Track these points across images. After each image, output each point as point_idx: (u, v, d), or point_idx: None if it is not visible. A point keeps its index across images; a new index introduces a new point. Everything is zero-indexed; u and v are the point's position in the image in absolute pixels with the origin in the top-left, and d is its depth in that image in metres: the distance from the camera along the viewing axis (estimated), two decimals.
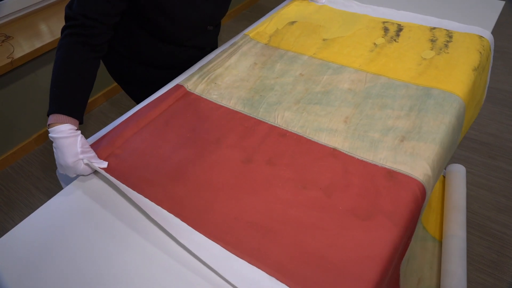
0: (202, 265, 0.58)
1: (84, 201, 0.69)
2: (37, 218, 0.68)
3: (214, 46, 1.13)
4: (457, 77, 0.88)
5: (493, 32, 1.03)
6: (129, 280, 0.57)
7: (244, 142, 0.78)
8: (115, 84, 2.14)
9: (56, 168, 0.74)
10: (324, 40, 1.06)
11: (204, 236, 0.62)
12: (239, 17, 2.84)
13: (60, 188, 0.72)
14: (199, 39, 1.02)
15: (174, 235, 0.62)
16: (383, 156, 0.72)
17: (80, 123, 0.76)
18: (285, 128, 0.80)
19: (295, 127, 0.80)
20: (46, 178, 1.78)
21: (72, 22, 0.75)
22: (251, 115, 0.84)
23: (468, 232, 1.33)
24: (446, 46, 0.98)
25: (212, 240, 0.61)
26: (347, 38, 1.06)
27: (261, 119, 0.83)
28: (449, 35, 1.02)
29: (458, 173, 1.33)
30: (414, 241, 0.91)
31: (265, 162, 0.73)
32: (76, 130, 0.73)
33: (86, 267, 0.59)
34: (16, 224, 0.65)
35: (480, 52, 0.95)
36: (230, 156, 0.75)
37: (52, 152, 0.80)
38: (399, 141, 0.74)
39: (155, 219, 0.64)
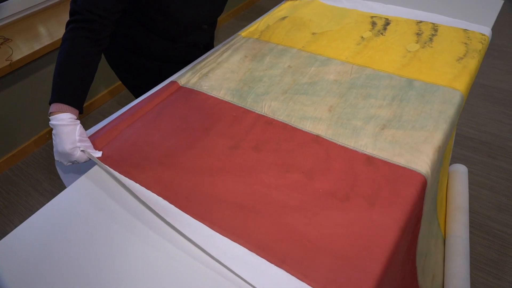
0: (211, 275, 0.58)
1: (84, 203, 0.70)
2: (38, 219, 0.68)
3: (208, 43, 1.16)
4: (439, 69, 0.91)
5: (492, 31, 1.04)
6: (130, 281, 0.58)
7: (232, 130, 0.81)
8: (120, 82, 2.18)
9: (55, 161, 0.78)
10: (313, 34, 1.09)
11: (190, 217, 0.65)
12: (239, 17, 2.86)
13: (60, 190, 0.74)
14: (194, 36, 1.06)
15: (162, 215, 0.65)
16: (364, 143, 0.75)
17: (80, 112, 0.80)
18: (271, 117, 0.83)
19: (281, 116, 0.83)
20: (45, 181, 1.79)
21: (77, 16, 0.78)
22: (239, 105, 0.87)
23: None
24: (431, 39, 1.01)
25: (198, 220, 0.65)
26: (335, 32, 1.09)
27: (249, 109, 0.86)
28: (435, 28, 1.05)
29: (460, 173, 1.33)
30: (430, 237, 0.93)
31: (251, 148, 0.76)
32: (76, 119, 0.77)
33: (87, 268, 0.60)
34: (16, 227, 0.67)
35: (466, 44, 0.98)
36: (218, 142, 0.78)
37: (52, 155, 0.84)
38: (380, 129, 0.77)
39: (146, 201, 0.67)
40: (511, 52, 2.10)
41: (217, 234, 0.62)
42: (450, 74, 0.89)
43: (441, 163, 0.86)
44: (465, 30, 1.03)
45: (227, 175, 0.71)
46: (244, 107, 0.87)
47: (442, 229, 1.13)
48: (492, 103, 1.86)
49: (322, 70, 0.95)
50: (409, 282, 0.76)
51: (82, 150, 0.75)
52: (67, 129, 0.74)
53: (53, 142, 0.76)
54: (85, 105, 2.09)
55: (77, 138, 0.74)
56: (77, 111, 0.78)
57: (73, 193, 0.73)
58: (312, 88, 0.90)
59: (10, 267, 0.61)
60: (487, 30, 1.02)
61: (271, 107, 0.85)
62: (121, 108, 0.90)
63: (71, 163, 0.77)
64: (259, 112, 0.85)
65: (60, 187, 0.85)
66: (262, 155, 0.75)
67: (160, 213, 0.65)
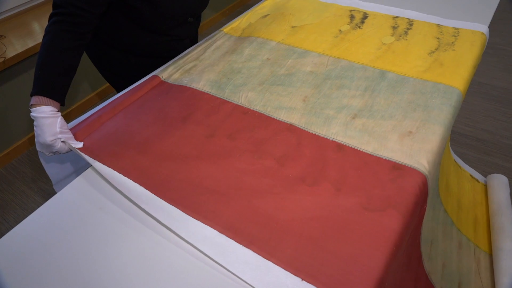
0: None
1: (81, 203, 0.71)
2: (36, 218, 0.69)
3: (193, 38, 1.17)
4: (411, 61, 0.94)
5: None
6: (127, 280, 0.59)
7: (209, 119, 0.84)
8: (108, 84, 2.17)
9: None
10: (292, 27, 1.12)
11: (164, 201, 0.68)
12: (230, 17, 2.87)
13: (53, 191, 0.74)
14: (179, 30, 1.07)
15: (137, 202, 0.67)
16: (335, 131, 0.77)
17: (62, 105, 0.81)
18: (247, 107, 0.85)
19: (257, 106, 0.85)
20: (40, 179, 1.78)
21: (60, 9, 0.78)
22: (217, 96, 0.89)
23: None
24: (405, 33, 1.04)
25: (171, 204, 0.67)
26: (314, 26, 1.11)
27: (226, 99, 0.88)
28: (410, 23, 1.08)
29: (501, 183, 1.32)
30: (436, 223, 0.95)
31: (226, 136, 0.79)
32: (57, 111, 0.78)
33: (85, 267, 0.61)
34: (11, 226, 0.66)
35: (438, 38, 1.01)
36: (194, 131, 0.81)
37: None
38: (351, 118, 0.80)
39: (121, 189, 0.69)
40: (506, 50, 2.13)
41: (189, 217, 0.65)
42: (421, 67, 0.92)
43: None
44: (438, 25, 1.06)
45: (202, 162, 0.74)
46: (221, 97, 0.89)
47: (450, 215, 1.13)
48: (488, 101, 1.87)
49: (299, 62, 0.97)
50: (415, 266, 0.77)
51: (63, 141, 0.77)
52: (48, 121, 0.75)
53: (35, 133, 0.77)
54: (72, 107, 2.08)
55: (58, 130, 0.76)
56: (58, 104, 0.79)
57: (70, 193, 0.73)
58: (288, 79, 0.92)
59: (9, 266, 0.61)
60: (484, 28, 1.04)
61: (247, 97, 0.88)
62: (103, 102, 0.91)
63: (52, 154, 0.79)
64: (236, 102, 0.87)
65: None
66: (236, 143, 0.77)
67: (134, 199, 0.68)
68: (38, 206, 0.70)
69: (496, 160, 1.54)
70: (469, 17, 1.08)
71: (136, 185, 0.71)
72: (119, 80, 1.13)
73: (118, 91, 1.10)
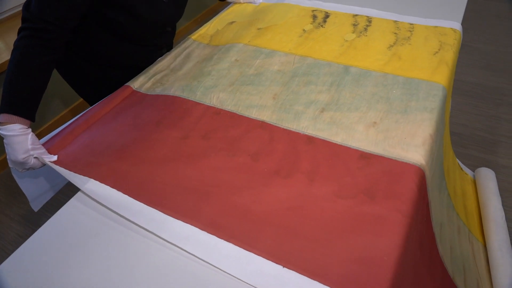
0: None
1: (77, 226, 0.69)
2: (35, 241, 0.67)
3: (170, 47, 1.16)
4: (372, 56, 0.99)
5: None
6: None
7: (182, 122, 0.85)
8: (82, 100, 2.07)
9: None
10: (258, 29, 1.15)
11: (143, 204, 0.68)
12: (204, 23, 2.85)
13: (33, 213, 0.69)
14: (158, 39, 1.05)
15: (115, 210, 0.68)
16: (305, 125, 0.81)
17: (32, 121, 0.78)
18: (219, 107, 0.88)
19: (229, 106, 0.88)
20: (15, 204, 1.64)
21: (29, 24, 0.75)
22: (189, 98, 0.91)
23: None
24: (365, 29, 1.10)
25: (151, 206, 0.68)
26: (279, 26, 1.15)
27: (198, 101, 0.90)
28: (369, 20, 1.14)
29: (489, 178, 1.37)
30: (442, 206, 0.96)
31: (201, 137, 0.81)
32: (27, 128, 0.75)
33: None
34: None
35: (395, 33, 1.07)
36: (168, 134, 0.82)
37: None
38: (319, 112, 0.84)
39: (98, 199, 0.69)
40: (472, 47, 2.25)
41: (170, 217, 0.66)
42: (381, 60, 0.97)
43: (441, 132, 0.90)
44: (395, 21, 1.13)
45: (178, 163, 0.75)
46: (193, 100, 0.90)
47: (452, 199, 1.16)
48: (459, 96, 1.94)
49: (267, 62, 1.00)
50: (429, 248, 0.79)
51: (35, 157, 0.76)
52: (18, 139, 0.73)
53: (6, 150, 0.75)
54: (44, 126, 1.99)
55: (30, 146, 0.74)
56: (28, 121, 0.76)
57: (64, 217, 0.70)
58: (257, 78, 0.95)
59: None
60: (457, 25, 1.10)
61: (219, 98, 0.90)
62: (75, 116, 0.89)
63: (26, 170, 0.77)
64: (208, 104, 0.89)
65: (32, 208, 0.79)
66: (211, 143, 0.79)
67: (113, 208, 0.68)
68: (17, 234, 0.67)
69: (472, 152, 1.62)
70: (441, 15, 1.15)
71: (114, 190, 0.72)
72: (95, 95, 1.07)
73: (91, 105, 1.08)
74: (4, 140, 0.74)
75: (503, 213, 1.27)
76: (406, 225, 0.61)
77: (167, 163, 0.76)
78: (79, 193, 0.73)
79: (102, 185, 0.73)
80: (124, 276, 0.60)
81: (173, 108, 0.89)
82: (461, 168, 1.43)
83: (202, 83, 0.95)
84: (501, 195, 1.34)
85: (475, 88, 1.95)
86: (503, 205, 1.31)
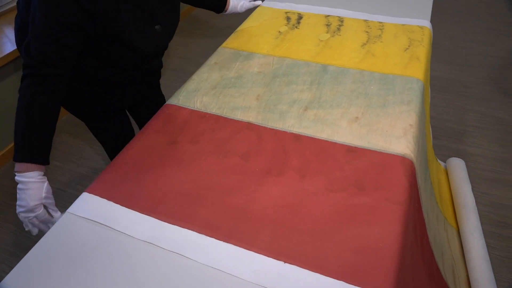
0: None
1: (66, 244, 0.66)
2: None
3: (160, 67, 1.08)
4: (347, 54, 1.02)
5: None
6: None
7: (167, 127, 0.84)
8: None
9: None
10: (234, 32, 1.16)
11: (137, 212, 0.67)
12: (180, 27, 2.79)
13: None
14: (149, 64, 0.99)
15: (108, 225, 0.66)
16: (291, 123, 0.83)
17: (46, 164, 0.76)
18: (204, 111, 0.88)
19: (213, 109, 0.88)
20: (8, 208, 1.54)
21: (32, 70, 0.73)
22: (171, 103, 0.91)
23: None
24: (338, 29, 1.14)
25: (144, 214, 0.67)
26: (255, 28, 1.16)
27: (181, 105, 0.90)
28: (341, 20, 1.18)
29: (459, 167, 1.43)
30: (426, 194, 0.99)
31: (188, 141, 0.80)
32: (43, 176, 0.74)
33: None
34: None
35: (367, 32, 1.11)
36: (155, 140, 0.81)
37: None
38: (303, 110, 0.86)
39: (87, 215, 0.68)
40: (438, 43, 2.35)
41: (165, 223, 0.66)
42: (357, 58, 1.01)
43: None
44: (365, 20, 1.17)
45: (168, 169, 0.75)
46: (176, 104, 0.90)
47: (435, 189, 1.20)
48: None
49: (247, 64, 1.02)
50: (420, 235, 0.81)
51: (44, 206, 0.73)
52: (35, 185, 0.72)
53: (18, 195, 0.72)
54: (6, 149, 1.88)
55: (44, 195, 0.72)
56: (44, 167, 0.75)
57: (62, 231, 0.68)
58: (239, 81, 0.96)
59: None
60: (426, 23, 1.15)
61: (202, 102, 0.90)
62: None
63: (29, 219, 0.72)
64: (191, 108, 0.89)
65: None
66: (199, 146, 0.79)
67: (105, 223, 0.66)
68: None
69: (443, 143, 1.69)
70: (409, 13, 1.20)
71: (103, 200, 0.70)
72: (88, 111, 1.02)
73: (87, 121, 1.04)
74: (19, 186, 0.72)
75: (474, 199, 1.35)
76: (398, 213, 0.64)
77: (156, 169, 0.75)
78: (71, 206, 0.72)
79: (91, 196, 0.71)
80: (128, 285, 0.58)
81: (157, 114, 0.88)
82: (436, 159, 1.50)
83: (183, 87, 0.95)
84: (471, 181, 1.42)
85: (441, 82, 2.06)
86: (473, 191, 1.38)
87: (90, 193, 0.71)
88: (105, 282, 0.59)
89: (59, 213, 0.75)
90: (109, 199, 0.70)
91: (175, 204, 0.68)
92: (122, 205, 0.69)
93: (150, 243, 0.63)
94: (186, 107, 0.89)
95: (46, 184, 0.74)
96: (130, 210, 0.68)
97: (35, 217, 0.72)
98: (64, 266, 0.61)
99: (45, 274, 0.61)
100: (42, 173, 0.74)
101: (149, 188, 0.71)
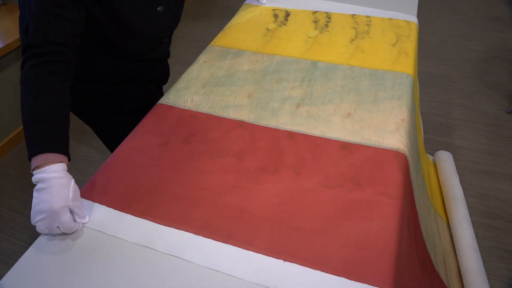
0: None
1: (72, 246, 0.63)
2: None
3: (167, 57, 1.06)
4: (336, 50, 1.02)
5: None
6: None
7: (159, 127, 0.83)
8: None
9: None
10: (223, 30, 1.15)
11: (131, 216, 0.66)
12: None
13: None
14: (155, 51, 0.96)
15: (102, 230, 0.64)
16: (283, 121, 0.82)
17: (69, 159, 0.65)
18: (195, 110, 0.86)
19: (205, 108, 0.87)
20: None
21: (35, 50, 0.66)
22: (162, 102, 0.89)
23: None
24: (326, 25, 1.14)
25: (139, 217, 0.66)
26: (242, 25, 1.15)
27: (171, 105, 0.88)
28: (328, 16, 1.18)
29: (447, 160, 1.45)
30: (418, 188, 1.00)
31: (181, 141, 0.79)
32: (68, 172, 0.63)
33: None
34: None
35: (355, 28, 1.12)
36: (147, 141, 0.79)
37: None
38: (295, 107, 0.86)
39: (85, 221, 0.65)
40: (421, 38, 2.38)
41: (161, 226, 0.64)
42: (346, 54, 1.01)
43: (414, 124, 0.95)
44: (352, 15, 1.17)
45: (161, 170, 0.73)
46: (166, 103, 0.88)
47: (426, 182, 1.20)
48: None
49: (236, 62, 1.01)
50: (413, 227, 0.82)
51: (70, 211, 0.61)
52: (61, 181, 0.60)
53: (36, 200, 0.59)
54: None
55: (71, 194, 0.60)
56: (67, 159, 0.64)
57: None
58: (229, 79, 0.95)
59: None
60: (412, 18, 1.15)
61: (193, 101, 0.89)
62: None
63: (48, 231, 0.60)
64: (182, 107, 0.87)
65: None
66: (192, 146, 0.78)
67: (95, 228, 0.64)
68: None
69: (431, 137, 1.72)
70: (395, 8, 1.21)
71: (95, 205, 0.68)
72: (86, 109, 0.98)
73: (93, 126, 1.01)
74: (37, 186, 0.59)
75: (462, 190, 1.37)
76: (394, 207, 0.64)
77: (149, 171, 0.73)
78: None
79: (82, 200, 0.69)
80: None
81: (148, 114, 0.87)
82: (425, 152, 1.52)
83: (173, 85, 0.94)
84: (459, 173, 1.44)
85: (427, 76, 2.09)
86: (461, 183, 1.41)
87: (82, 196, 0.69)
88: (102, 287, 0.57)
89: (87, 218, 0.64)
90: (101, 203, 0.68)
91: (170, 206, 0.67)
92: (115, 208, 0.67)
93: (146, 246, 0.62)
94: (177, 106, 0.88)
95: (73, 182, 0.62)
96: (123, 213, 0.66)
97: (59, 226, 0.59)
98: (59, 271, 0.59)
99: (38, 282, 0.59)
100: (67, 168, 0.62)
101: (143, 190, 0.70)
